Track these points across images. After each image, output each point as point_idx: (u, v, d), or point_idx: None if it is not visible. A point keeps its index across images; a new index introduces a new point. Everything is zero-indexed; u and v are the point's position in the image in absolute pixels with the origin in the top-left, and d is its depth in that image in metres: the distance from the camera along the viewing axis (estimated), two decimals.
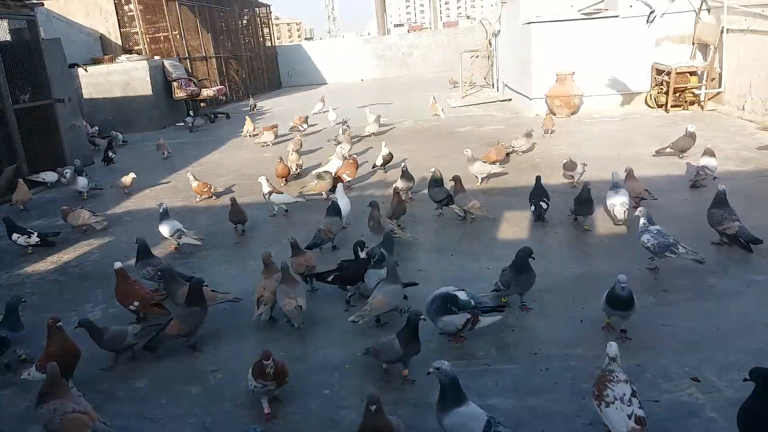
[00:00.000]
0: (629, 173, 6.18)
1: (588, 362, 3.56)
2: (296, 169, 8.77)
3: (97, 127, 14.83)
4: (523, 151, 8.84)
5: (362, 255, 4.66)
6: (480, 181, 7.64)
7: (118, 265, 4.58)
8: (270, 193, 6.98)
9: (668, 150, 7.98)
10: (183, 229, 6.02)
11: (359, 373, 3.70)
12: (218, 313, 4.65)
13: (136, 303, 4.52)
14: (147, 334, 4.02)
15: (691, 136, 7.80)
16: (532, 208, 5.96)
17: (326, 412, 3.32)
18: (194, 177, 8.03)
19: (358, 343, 4.00)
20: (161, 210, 6.07)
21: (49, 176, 9.56)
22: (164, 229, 6.01)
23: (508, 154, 8.60)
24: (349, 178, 7.93)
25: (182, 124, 16.00)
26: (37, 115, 10.29)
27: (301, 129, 12.99)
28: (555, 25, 12.22)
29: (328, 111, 13.68)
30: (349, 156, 8.66)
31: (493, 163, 7.95)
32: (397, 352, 3.42)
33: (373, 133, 11.35)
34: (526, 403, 3.25)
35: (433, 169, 6.46)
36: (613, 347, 2.90)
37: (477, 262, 5.23)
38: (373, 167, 8.82)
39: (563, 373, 3.48)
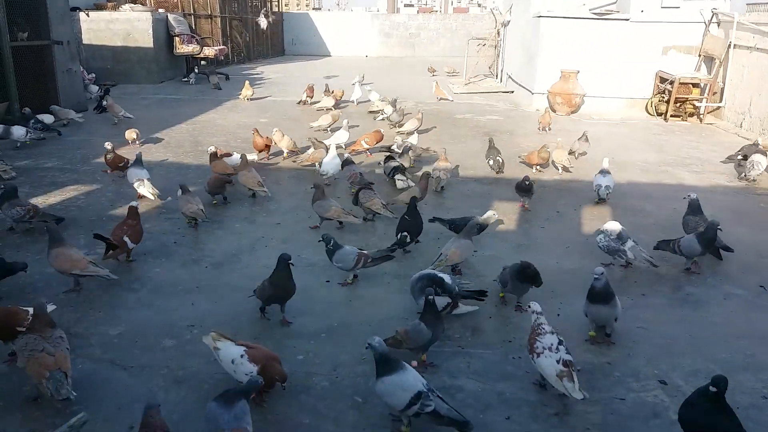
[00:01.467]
0: None
1: None
2: (289, 147, 7.97)
3: (93, 75, 14.60)
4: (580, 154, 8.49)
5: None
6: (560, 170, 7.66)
7: (135, 203, 4.93)
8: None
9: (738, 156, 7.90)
10: (143, 178, 6.09)
11: (335, 342, 3.72)
12: (199, 272, 4.66)
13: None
14: None
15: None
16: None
17: (298, 376, 3.33)
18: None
19: (337, 314, 4.03)
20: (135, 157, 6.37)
21: (46, 118, 9.37)
22: (129, 176, 6.29)
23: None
24: (367, 146, 8.10)
25: (186, 79, 15.80)
26: (34, 56, 10.11)
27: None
28: (564, 22, 12.16)
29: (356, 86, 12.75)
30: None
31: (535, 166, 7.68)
32: (425, 336, 3.36)
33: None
34: (495, 388, 3.30)
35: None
36: (535, 305, 3.32)
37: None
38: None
39: None
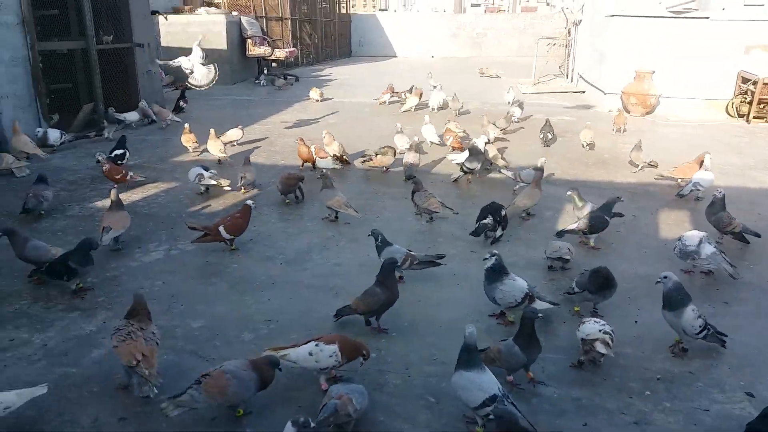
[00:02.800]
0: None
1: (637, 362, 3.52)
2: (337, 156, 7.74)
3: (169, 75, 15.20)
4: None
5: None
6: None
7: (251, 202, 5.21)
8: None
9: None
10: (203, 173, 6.42)
11: (405, 341, 3.74)
12: (273, 268, 4.80)
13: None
14: None
15: None
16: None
17: (371, 373, 3.38)
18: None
19: (407, 314, 4.06)
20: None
21: (131, 116, 9.90)
22: (189, 175, 6.53)
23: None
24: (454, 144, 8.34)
25: (258, 81, 16.26)
26: (117, 58, 10.63)
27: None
28: (639, 21, 11.79)
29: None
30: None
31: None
32: (519, 359, 3.22)
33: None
34: (570, 393, 3.25)
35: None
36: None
37: (534, 249, 5.19)
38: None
39: (611, 369, 3.44)
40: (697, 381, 3.34)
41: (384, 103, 12.36)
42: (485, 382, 2.85)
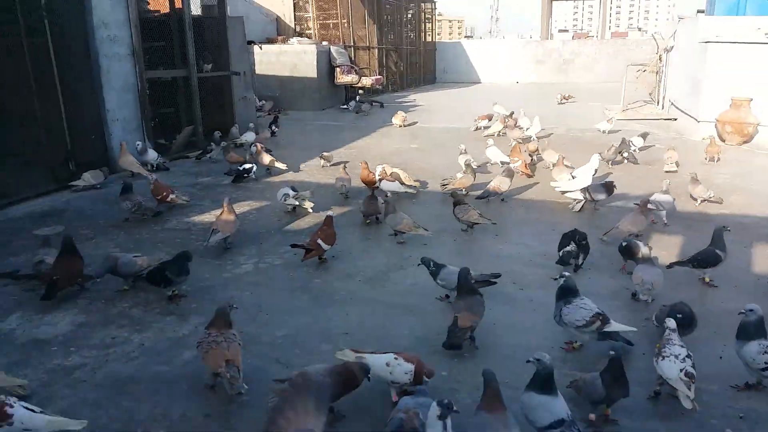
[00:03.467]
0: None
1: (720, 399, 3.40)
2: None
3: (264, 102, 16.03)
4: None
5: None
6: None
7: (330, 212, 5.58)
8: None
9: None
10: (289, 192, 6.78)
11: (477, 362, 3.79)
12: (353, 285, 4.98)
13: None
14: None
15: None
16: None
17: (442, 391, 3.45)
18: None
19: (479, 336, 4.10)
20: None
21: (248, 136, 10.59)
22: (278, 194, 6.90)
23: None
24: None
25: (345, 107, 16.84)
26: (215, 85, 11.39)
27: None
28: (735, 47, 11.31)
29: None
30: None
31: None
32: (599, 392, 3.17)
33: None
34: (647, 426, 3.18)
35: None
36: (670, 321, 3.47)
37: (614, 279, 5.10)
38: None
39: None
40: None
41: (479, 129, 12.46)
42: (555, 406, 2.86)
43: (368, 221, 6.57)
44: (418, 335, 4.14)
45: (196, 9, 11.19)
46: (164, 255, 5.13)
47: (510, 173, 7.44)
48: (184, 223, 6.57)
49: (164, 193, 6.82)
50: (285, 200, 6.80)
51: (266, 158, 8.68)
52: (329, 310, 4.51)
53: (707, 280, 5.02)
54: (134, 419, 3.21)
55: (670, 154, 8.87)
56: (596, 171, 7.45)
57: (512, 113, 12.73)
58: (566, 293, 3.89)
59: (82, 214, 6.91)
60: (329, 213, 5.58)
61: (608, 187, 7.01)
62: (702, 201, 7.15)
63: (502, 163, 8.71)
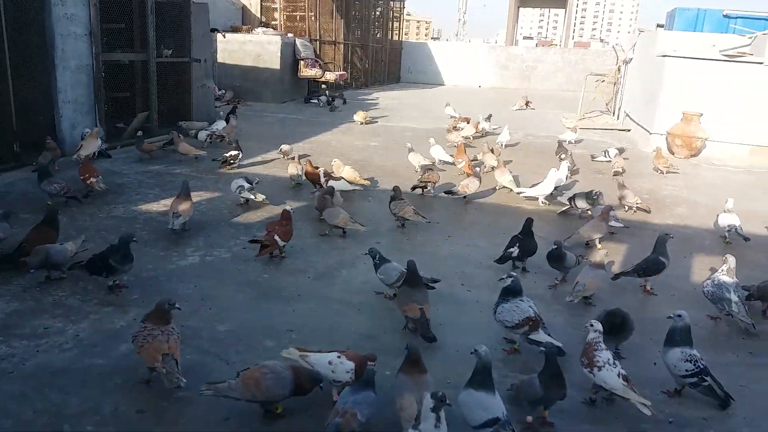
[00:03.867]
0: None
1: (653, 405, 3.48)
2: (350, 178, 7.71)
3: (225, 92, 15.77)
4: None
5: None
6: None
7: (288, 207, 5.45)
8: (326, 178, 7.35)
9: None
10: (243, 184, 6.72)
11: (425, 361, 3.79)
12: (302, 281, 4.93)
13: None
14: None
15: None
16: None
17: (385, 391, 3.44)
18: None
19: None
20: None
21: (218, 125, 10.57)
22: (232, 186, 6.84)
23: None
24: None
25: (315, 101, 16.74)
26: (174, 71, 11.13)
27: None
28: (691, 62, 11.66)
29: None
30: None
31: None
32: (535, 392, 3.18)
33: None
34: (581, 429, 3.25)
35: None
36: (597, 324, 3.46)
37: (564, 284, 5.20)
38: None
39: (625, 408, 3.39)
40: (710, 428, 3.30)
41: (458, 129, 12.48)
42: (491, 404, 2.89)
43: (322, 217, 6.52)
44: (366, 333, 4.13)
45: None
46: (104, 244, 4.96)
47: (478, 175, 7.60)
48: (131, 211, 6.41)
49: (86, 175, 6.67)
50: (240, 192, 6.70)
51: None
52: (276, 306, 4.46)
53: (648, 288, 5.15)
54: (62, 414, 3.09)
55: (617, 160, 9.60)
56: (566, 178, 7.69)
57: (490, 115, 13.08)
58: (508, 293, 3.97)
59: (25, 197, 6.66)
60: (287, 208, 5.51)
61: (589, 196, 7.04)
62: (631, 209, 7.36)
63: (444, 162, 9.08)
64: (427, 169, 8.25)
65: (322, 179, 7.29)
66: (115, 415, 3.10)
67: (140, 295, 4.45)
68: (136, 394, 3.29)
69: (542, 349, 3.32)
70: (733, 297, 4.38)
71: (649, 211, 7.40)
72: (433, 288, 4.55)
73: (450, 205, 7.40)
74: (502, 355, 3.96)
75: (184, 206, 5.75)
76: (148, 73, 10.24)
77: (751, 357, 4.13)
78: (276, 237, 5.22)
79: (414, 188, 7.68)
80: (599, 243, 5.92)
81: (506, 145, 11.14)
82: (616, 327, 3.88)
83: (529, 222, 5.45)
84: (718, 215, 6.65)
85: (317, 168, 7.47)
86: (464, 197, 7.55)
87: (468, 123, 12.39)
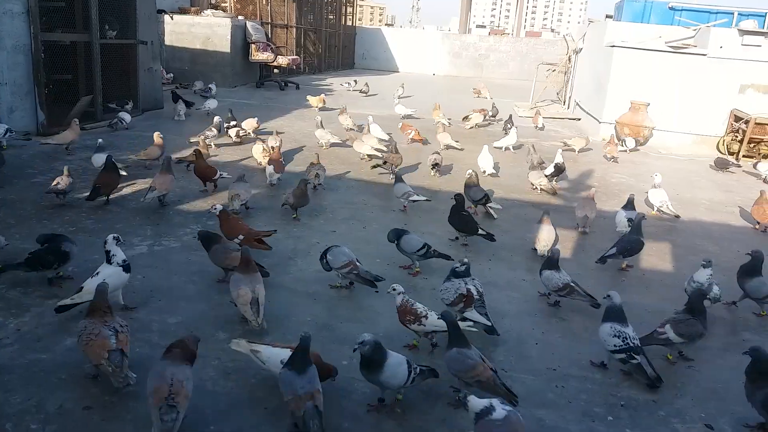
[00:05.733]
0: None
1: (604, 387, 3.57)
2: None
3: (172, 75, 15.30)
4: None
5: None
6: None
7: (219, 207, 4.98)
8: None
9: None
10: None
11: None
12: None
13: (241, 236, 4.85)
14: None
15: None
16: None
17: (340, 381, 3.41)
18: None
19: (384, 323, 4.10)
20: (98, 143, 7.02)
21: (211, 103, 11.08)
22: (95, 160, 6.82)
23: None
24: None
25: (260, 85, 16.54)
26: (120, 53, 10.71)
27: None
28: (638, 53, 11.97)
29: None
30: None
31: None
32: (700, 330, 3.81)
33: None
34: (535, 414, 3.29)
35: (469, 172, 6.71)
36: (398, 286, 3.80)
37: (513, 271, 5.26)
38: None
39: (579, 393, 3.50)
40: (660, 410, 3.39)
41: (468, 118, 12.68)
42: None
43: (295, 216, 6.38)
44: (321, 323, 4.08)
45: None
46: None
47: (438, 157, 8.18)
48: (74, 199, 6.13)
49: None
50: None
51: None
52: (228, 296, 4.34)
53: (625, 266, 5.44)
54: (4, 413, 2.94)
55: (574, 141, 10.60)
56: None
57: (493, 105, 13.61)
58: (455, 274, 4.09)
59: None
60: (218, 207, 5.05)
61: (558, 168, 7.96)
62: (536, 188, 7.79)
63: (381, 139, 9.40)
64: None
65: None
66: (60, 413, 2.97)
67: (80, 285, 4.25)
68: (83, 389, 3.15)
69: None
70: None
71: (555, 193, 7.77)
72: (375, 286, 4.49)
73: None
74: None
75: (160, 180, 5.97)
76: (92, 55, 9.82)
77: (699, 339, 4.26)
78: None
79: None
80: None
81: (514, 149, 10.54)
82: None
83: (458, 196, 5.73)
84: (647, 192, 6.99)
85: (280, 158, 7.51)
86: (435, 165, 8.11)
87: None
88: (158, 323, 3.89)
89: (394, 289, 3.76)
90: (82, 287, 3.80)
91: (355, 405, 3.25)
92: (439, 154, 8.30)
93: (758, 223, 6.96)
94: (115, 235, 4.03)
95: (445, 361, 3.31)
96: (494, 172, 8.53)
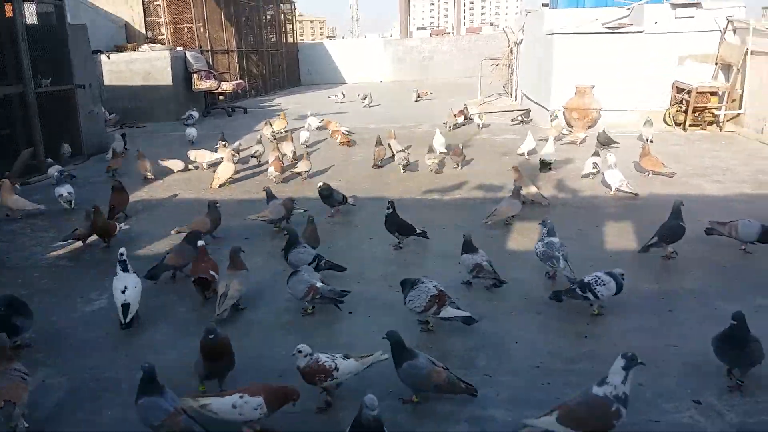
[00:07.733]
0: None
1: (590, 379, 3.53)
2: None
3: (115, 115, 14.95)
4: None
5: None
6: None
7: (201, 243, 4.89)
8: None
9: None
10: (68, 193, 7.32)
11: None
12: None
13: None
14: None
15: None
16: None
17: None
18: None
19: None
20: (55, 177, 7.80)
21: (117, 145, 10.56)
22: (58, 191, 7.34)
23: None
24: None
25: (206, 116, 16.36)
26: (57, 100, 10.39)
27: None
28: (578, 38, 12.17)
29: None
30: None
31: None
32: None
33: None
34: (525, 415, 3.23)
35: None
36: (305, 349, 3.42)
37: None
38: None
39: (564, 387, 3.46)
40: (647, 392, 3.39)
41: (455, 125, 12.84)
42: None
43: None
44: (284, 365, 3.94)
45: (31, 17, 10.11)
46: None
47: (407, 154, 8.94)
48: (23, 258, 5.89)
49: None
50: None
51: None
52: (196, 340, 4.16)
53: (670, 253, 5.28)
54: None
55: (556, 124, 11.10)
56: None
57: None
58: (409, 283, 4.08)
59: None
60: (201, 243, 4.97)
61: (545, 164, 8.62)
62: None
63: (317, 128, 11.60)
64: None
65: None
66: None
67: (46, 353, 4.06)
68: None
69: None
70: (560, 255, 4.70)
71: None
72: (341, 302, 4.43)
73: (367, 206, 7.29)
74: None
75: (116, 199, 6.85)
76: (28, 106, 9.49)
77: (672, 315, 4.31)
78: (211, 272, 4.77)
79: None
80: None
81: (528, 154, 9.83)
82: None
83: (391, 203, 5.71)
84: (603, 173, 7.08)
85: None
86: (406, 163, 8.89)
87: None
88: (127, 382, 3.63)
89: (300, 351, 3.32)
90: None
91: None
92: (405, 151, 9.06)
93: (648, 171, 8.06)
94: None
95: (400, 378, 3.27)
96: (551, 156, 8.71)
